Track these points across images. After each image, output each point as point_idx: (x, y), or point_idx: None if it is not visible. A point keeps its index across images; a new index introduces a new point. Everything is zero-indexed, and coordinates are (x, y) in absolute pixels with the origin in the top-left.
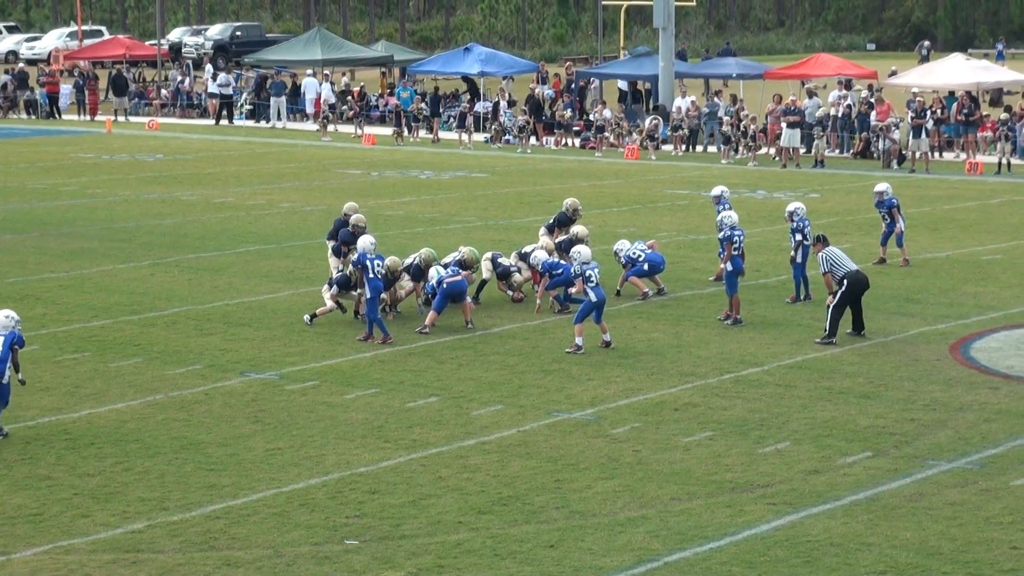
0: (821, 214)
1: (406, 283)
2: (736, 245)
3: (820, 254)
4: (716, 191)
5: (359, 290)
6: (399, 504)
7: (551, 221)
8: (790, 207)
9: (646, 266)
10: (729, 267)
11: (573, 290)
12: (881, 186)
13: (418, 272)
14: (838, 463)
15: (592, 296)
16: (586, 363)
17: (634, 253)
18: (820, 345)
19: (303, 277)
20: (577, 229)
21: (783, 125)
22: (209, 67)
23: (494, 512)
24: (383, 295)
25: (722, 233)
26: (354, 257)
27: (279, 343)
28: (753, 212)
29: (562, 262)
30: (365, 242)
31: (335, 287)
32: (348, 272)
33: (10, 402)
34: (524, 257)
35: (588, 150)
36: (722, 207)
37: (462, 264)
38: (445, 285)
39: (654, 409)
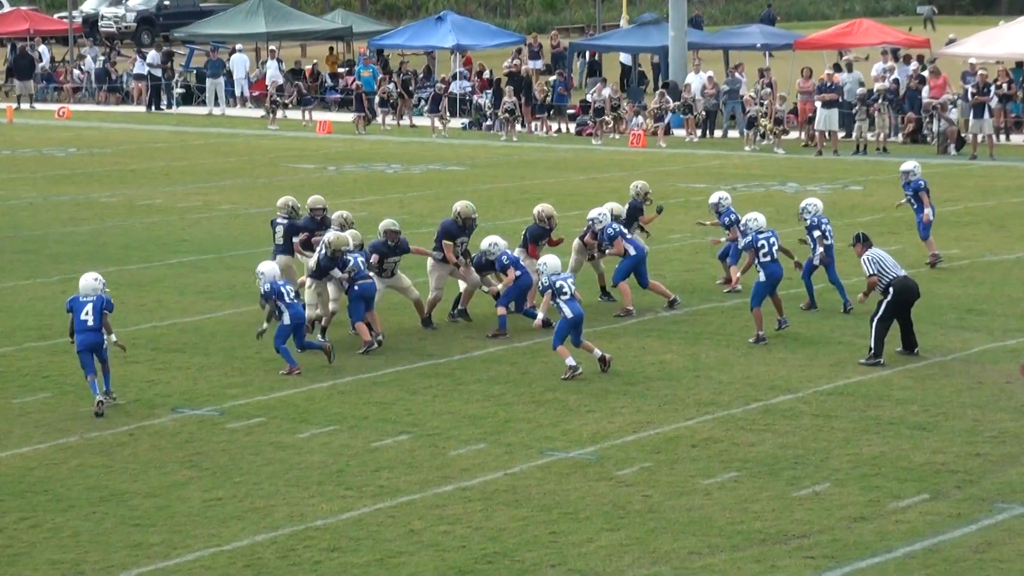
0: (864, 210)
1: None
2: (766, 251)
3: (864, 256)
4: (714, 199)
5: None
6: (363, 563)
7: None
8: (802, 203)
9: (632, 249)
10: (761, 277)
11: (535, 307)
12: (908, 165)
13: (328, 265)
14: (889, 508)
15: (567, 312)
16: (585, 391)
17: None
18: (865, 366)
19: (247, 293)
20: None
21: (817, 105)
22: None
23: (477, 572)
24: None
25: (746, 240)
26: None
27: (218, 372)
28: (784, 209)
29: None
30: (273, 270)
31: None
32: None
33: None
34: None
35: (585, 137)
36: (726, 218)
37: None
38: (356, 287)
39: (667, 446)
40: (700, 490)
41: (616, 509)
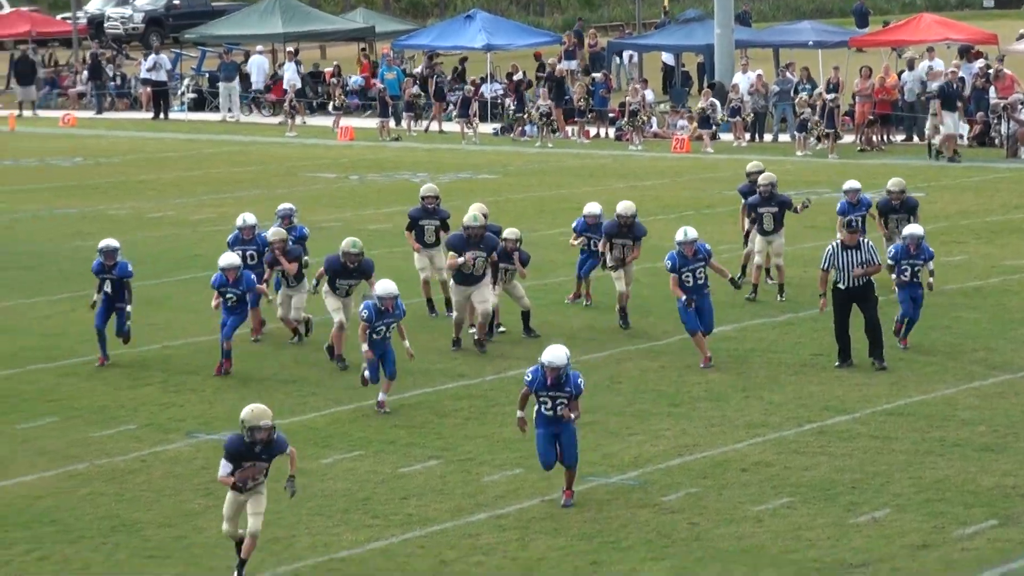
0: (928, 218)
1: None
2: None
3: (870, 243)
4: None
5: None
6: None
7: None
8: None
9: None
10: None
11: None
12: (850, 184)
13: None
14: (954, 535)
15: None
16: (627, 413)
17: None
18: (838, 370)
19: (264, 309)
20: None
21: (943, 112)
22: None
23: None
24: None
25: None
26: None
27: (235, 395)
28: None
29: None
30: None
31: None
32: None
33: None
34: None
35: (624, 142)
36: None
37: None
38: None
39: (715, 470)
40: (750, 517)
41: (661, 537)
